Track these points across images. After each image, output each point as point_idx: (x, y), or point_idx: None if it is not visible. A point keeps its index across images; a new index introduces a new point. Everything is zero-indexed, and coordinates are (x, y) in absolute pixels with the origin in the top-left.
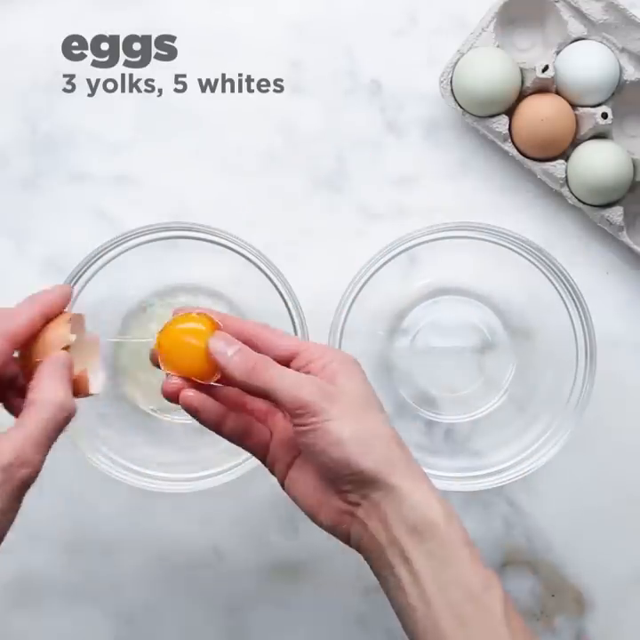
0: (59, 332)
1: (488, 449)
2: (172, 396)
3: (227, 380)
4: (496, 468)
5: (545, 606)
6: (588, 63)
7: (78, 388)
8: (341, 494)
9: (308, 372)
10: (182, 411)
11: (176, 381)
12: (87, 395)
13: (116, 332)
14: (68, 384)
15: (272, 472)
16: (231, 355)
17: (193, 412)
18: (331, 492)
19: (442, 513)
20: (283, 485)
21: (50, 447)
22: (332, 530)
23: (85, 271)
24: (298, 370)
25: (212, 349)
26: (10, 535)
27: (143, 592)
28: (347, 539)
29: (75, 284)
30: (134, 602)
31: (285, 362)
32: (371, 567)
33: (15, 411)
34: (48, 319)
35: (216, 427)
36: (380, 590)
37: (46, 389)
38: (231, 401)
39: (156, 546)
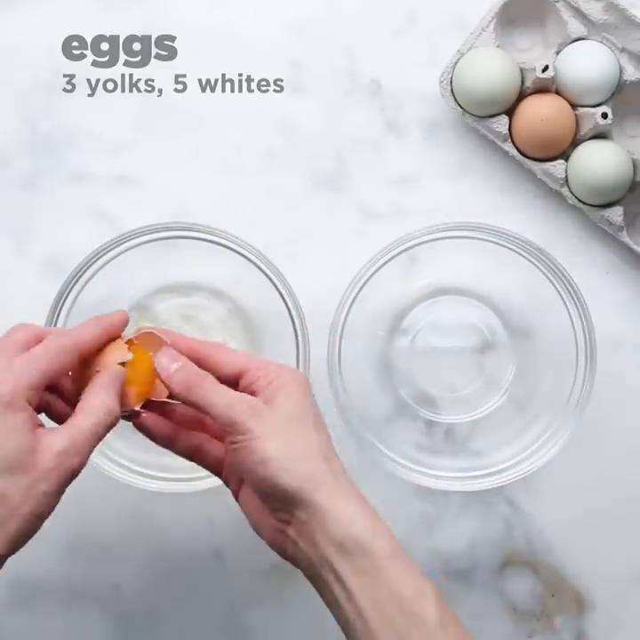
0: (115, 351)
1: (488, 449)
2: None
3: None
4: (496, 468)
5: (545, 606)
6: (587, 63)
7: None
8: (273, 513)
9: (252, 391)
10: None
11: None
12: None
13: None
14: (117, 393)
15: (228, 487)
16: (173, 370)
17: (145, 432)
18: (267, 510)
19: (369, 528)
20: (237, 501)
21: (94, 447)
22: (272, 547)
23: (85, 271)
24: (244, 388)
25: (156, 364)
26: None
27: (143, 592)
28: (285, 556)
29: (75, 283)
30: (134, 602)
31: (234, 380)
32: (310, 582)
33: (58, 417)
34: (109, 339)
35: (168, 445)
36: None
37: (98, 396)
38: (189, 418)
39: (156, 546)
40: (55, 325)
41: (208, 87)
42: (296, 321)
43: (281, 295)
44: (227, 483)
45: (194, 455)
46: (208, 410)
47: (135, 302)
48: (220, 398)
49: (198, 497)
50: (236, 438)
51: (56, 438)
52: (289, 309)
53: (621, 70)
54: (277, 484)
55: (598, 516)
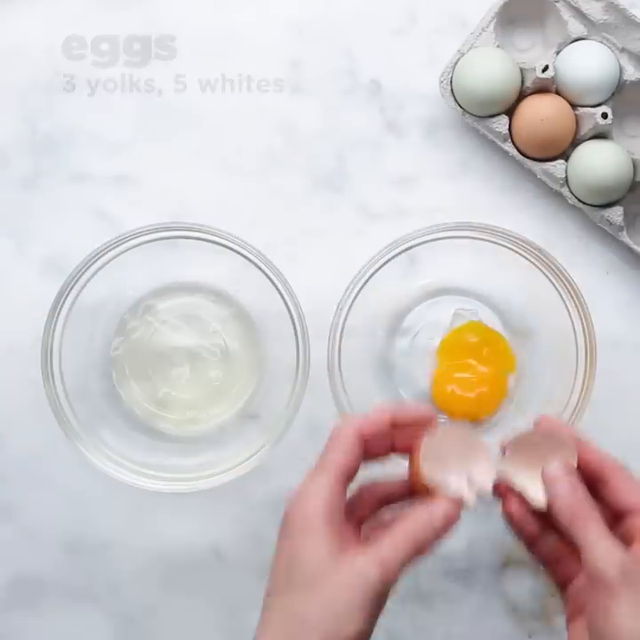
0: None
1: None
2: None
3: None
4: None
5: (545, 606)
6: (588, 63)
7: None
8: None
9: (630, 538)
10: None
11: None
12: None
13: (115, 331)
14: (447, 518)
15: (563, 607)
16: (562, 486)
17: (511, 523)
18: None
19: None
20: (566, 626)
21: (409, 562)
22: None
23: (85, 271)
24: (628, 528)
25: (546, 469)
26: (9, 535)
27: (143, 592)
28: None
29: (75, 283)
30: (134, 602)
31: (619, 514)
32: None
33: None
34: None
35: (529, 544)
36: None
37: (416, 532)
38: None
39: (156, 546)
40: (54, 327)
41: (208, 87)
42: (296, 321)
43: (281, 295)
44: (566, 602)
45: (550, 562)
46: (580, 544)
47: (135, 302)
48: (597, 541)
49: (198, 497)
50: (599, 592)
51: (358, 556)
52: (289, 309)
53: (621, 70)
54: None
55: None
